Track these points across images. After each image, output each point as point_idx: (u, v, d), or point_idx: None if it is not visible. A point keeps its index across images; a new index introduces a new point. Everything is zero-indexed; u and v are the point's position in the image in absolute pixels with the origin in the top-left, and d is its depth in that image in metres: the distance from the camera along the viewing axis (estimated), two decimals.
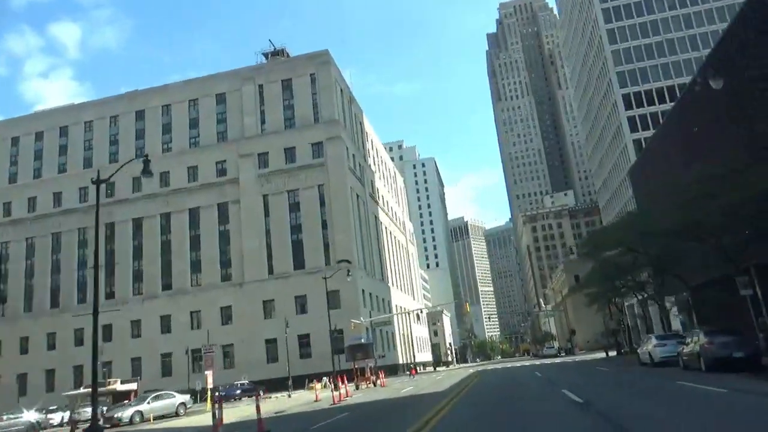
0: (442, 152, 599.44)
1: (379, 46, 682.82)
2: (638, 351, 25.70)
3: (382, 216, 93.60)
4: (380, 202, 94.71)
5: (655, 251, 28.00)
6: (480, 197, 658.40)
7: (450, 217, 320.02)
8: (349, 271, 49.81)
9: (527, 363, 52.47)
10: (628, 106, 73.08)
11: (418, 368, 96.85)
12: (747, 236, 23.02)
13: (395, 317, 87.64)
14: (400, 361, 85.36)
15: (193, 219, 74.00)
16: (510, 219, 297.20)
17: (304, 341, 68.13)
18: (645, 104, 72.36)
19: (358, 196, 77.70)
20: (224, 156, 74.97)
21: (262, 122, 76.35)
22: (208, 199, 73.73)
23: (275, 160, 73.80)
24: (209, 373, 28.54)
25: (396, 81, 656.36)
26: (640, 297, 43.76)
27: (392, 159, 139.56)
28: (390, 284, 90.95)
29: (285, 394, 40.56)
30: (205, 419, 22.53)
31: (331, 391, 26.27)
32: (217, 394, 48.36)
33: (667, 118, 42.11)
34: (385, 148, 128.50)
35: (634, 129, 71.98)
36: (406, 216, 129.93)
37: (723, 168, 22.29)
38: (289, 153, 74.07)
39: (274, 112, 75.94)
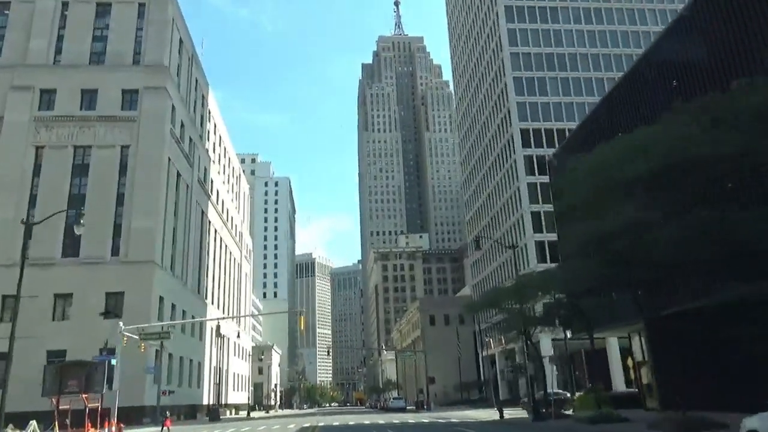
0: (300, 191, 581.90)
1: (249, 75, 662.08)
2: None
3: (212, 214, 74.57)
4: (213, 198, 75.82)
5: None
6: (332, 242, 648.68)
7: (298, 252, 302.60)
8: None
9: (380, 419, 35.84)
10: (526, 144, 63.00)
11: (229, 411, 76.76)
12: None
13: (206, 345, 67.97)
14: (205, 401, 65.42)
15: None
16: (359, 261, 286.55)
17: (58, 361, 46.71)
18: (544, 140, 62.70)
19: (179, 174, 58.74)
20: None
21: (58, 51, 55.32)
22: None
23: (65, 102, 53.02)
24: None
25: (262, 111, 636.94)
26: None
27: (243, 172, 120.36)
28: (208, 301, 71.35)
29: None
30: None
31: None
32: None
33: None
34: (237, 159, 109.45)
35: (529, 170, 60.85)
36: (247, 229, 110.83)
37: None
38: (89, 97, 53.76)
39: (77, 39, 55.47)
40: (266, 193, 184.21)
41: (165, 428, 28.30)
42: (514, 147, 64.54)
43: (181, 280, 58.79)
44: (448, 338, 77.38)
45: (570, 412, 28.81)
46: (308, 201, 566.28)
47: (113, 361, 30.24)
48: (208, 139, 75.83)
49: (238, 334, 67.05)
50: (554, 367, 50.18)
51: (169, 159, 54.82)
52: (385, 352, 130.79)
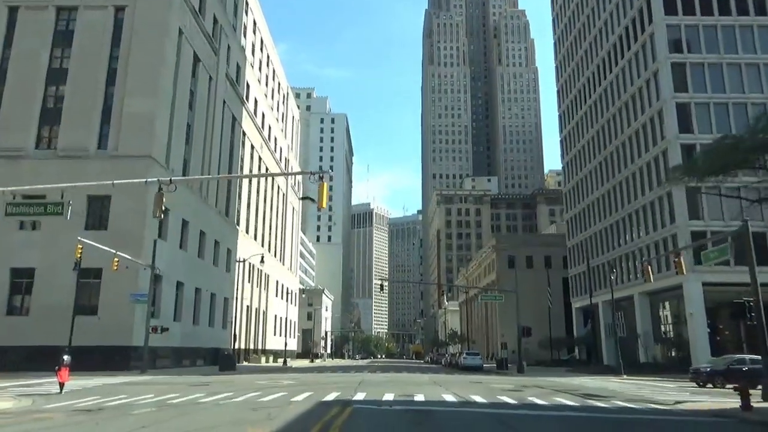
0: (360, 145, 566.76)
1: (316, 26, 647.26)
2: None
3: (248, 126, 61.98)
4: (250, 107, 63.10)
5: None
6: (390, 197, 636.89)
7: (355, 202, 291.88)
8: None
9: (472, 393, 20.32)
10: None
11: (266, 358, 65.99)
12: None
13: (236, 278, 56.33)
14: (236, 345, 54.21)
15: None
16: (419, 211, 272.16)
17: (22, 283, 35.96)
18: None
19: (197, 58, 45.81)
20: None
21: None
22: None
23: None
24: None
25: (326, 65, 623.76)
26: None
27: (297, 107, 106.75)
28: (241, 228, 59.53)
29: None
30: None
31: None
32: None
33: None
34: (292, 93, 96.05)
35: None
36: (296, 158, 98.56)
37: None
38: None
39: None
40: (321, 131, 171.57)
41: (60, 382, 16.77)
42: (651, 15, 46.85)
43: (199, 195, 46.63)
44: (531, 285, 63.18)
45: None
46: (367, 155, 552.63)
47: None
48: (245, 36, 62.57)
49: (262, 258, 54.94)
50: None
51: (180, 30, 41.82)
52: (446, 302, 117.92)
